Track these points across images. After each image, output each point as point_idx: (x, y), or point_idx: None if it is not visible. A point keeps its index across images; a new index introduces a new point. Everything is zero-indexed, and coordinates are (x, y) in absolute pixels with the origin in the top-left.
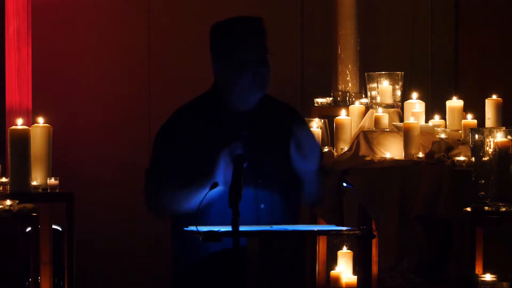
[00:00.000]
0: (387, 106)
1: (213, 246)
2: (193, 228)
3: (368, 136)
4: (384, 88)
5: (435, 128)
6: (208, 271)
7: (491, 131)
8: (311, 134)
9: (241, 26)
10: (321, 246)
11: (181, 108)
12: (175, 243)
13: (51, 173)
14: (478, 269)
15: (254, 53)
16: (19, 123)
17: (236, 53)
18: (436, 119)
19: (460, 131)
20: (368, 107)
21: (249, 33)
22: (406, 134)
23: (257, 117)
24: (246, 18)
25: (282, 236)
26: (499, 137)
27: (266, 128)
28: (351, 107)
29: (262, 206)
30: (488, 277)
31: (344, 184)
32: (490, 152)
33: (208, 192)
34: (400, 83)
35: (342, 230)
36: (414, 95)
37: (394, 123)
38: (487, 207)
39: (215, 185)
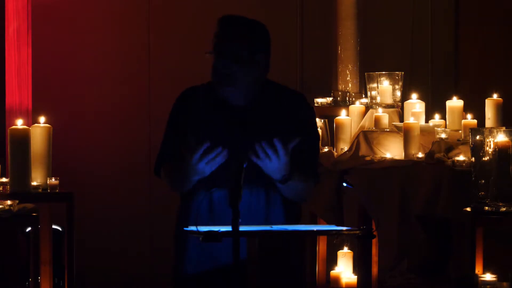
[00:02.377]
0: (387, 106)
1: (215, 259)
2: (193, 228)
3: (368, 136)
4: (384, 88)
5: (435, 128)
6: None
7: (491, 131)
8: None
9: (228, 22)
10: (321, 246)
11: (187, 89)
12: (177, 251)
13: (51, 173)
14: (478, 269)
15: (220, 45)
16: (19, 123)
17: (215, 45)
18: (436, 119)
19: (460, 131)
20: (368, 107)
21: (229, 27)
22: (406, 134)
23: (256, 109)
24: (240, 17)
25: (282, 236)
26: (499, 137)
27: (262, 121)
28: (351, 107)
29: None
30: (488, 277)
31: (344, 184)
32: (490, 152)
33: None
34: (400, 83)
35: (342, 230)
36: (414, 95)
37: (394, 123)
38: (487, 207)
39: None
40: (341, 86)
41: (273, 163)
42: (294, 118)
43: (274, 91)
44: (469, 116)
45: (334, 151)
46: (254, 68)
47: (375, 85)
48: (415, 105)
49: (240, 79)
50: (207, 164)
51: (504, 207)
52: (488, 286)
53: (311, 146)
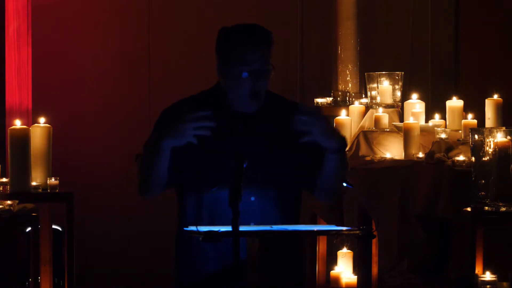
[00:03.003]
0: (387, 106)
1: (216, 262)
2: (193, 228)
3: (368, 136)
4: (384, 88)
5: (435, 128)
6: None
7: (491, 131)
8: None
9: (246, 35)
10: (321, 246)
11: (183, 99)
12: (179, 253)
13: (51, 173)
14: (478, 269)
15: (252, 65)
16: (18, 124)
17: (235, 62)
18: (436, 119)
19: (460, 131)
20: (368, 107)
21: (251, 44)
22: (406, 134)
23: (257, 115)
24: (253, 28)
25: (282, 236)
26: (499, 137)
27: (265, 125)
28: (351, 107)
29: (252, 198)
30: (488, 277)
31: (344, 184)
32: (490, 152)
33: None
34: (400, 83)
35: (342, 230)
36: (414, 95)
37: (394, 123)
38: (487, 207)
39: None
40: (341, 86)
41: (317, 125)
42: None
43: (275, 98)
44: (469, 116)
45: None
46: (270, 77)
47: (375, 85)
48: (415, 105)
49: (263, 92)
50: (191, 128)
51: (504, 207)
52: (488, 286)
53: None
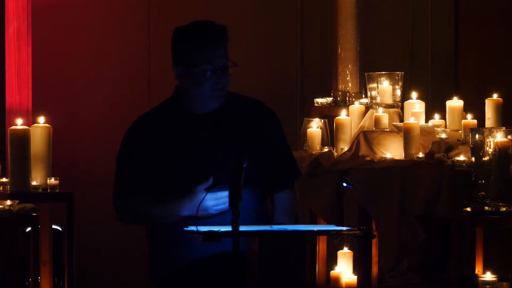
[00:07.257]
0: (387, 106)
1: (199, 250)
2: (193, 228)
3: (368, 136)
4: (384, 88)
5: (435, 128)
6: (195, 278)
7: (491, 131)
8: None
9: (203, 32)
10: (321, 246)
11: (142, 116)
12: (153, 246)
13: (51, 173)
14: (478, 269)
15: (214, 62)
16: (19, 123)
17: (196, 61)
18: (436, 119)
19: (460, 131)
20: (368, 107)
21: (210, 41)
22: (406, 134)
23: (220, 117)
24: (208, 25)
25: (282, 236)
26: (499, 137)
27: (230, 127)
28: (351, 107)
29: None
30: (488, 277)
31: (344, 184)
32: (490, 152)
33: (205, 195)
34: (400, 83)
35: (342, 230)
36: (414, 95)
37: (394, 123)
38: (487, 207)
39: (212, 185)
40: (341, 86)
41: None
42: (259, 127)
43: (233, 96)
44: (469, 116)
45: (334, 151)
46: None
47: (375, 85)
48: (415, 105)
49: (227, 88)
50: (213, 207)
51: (504, 207)
52: (488, 286)
53: (284, 150)
